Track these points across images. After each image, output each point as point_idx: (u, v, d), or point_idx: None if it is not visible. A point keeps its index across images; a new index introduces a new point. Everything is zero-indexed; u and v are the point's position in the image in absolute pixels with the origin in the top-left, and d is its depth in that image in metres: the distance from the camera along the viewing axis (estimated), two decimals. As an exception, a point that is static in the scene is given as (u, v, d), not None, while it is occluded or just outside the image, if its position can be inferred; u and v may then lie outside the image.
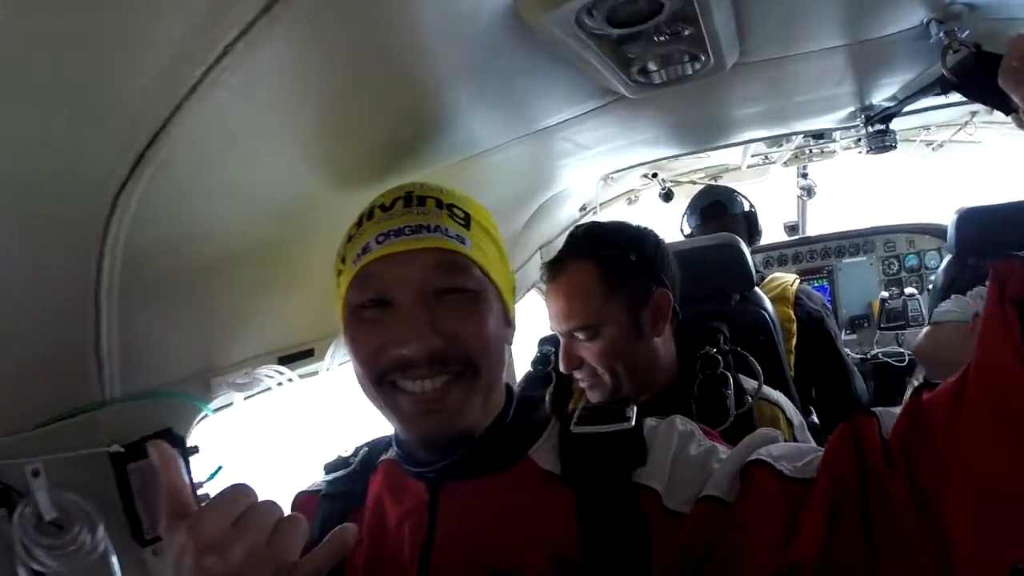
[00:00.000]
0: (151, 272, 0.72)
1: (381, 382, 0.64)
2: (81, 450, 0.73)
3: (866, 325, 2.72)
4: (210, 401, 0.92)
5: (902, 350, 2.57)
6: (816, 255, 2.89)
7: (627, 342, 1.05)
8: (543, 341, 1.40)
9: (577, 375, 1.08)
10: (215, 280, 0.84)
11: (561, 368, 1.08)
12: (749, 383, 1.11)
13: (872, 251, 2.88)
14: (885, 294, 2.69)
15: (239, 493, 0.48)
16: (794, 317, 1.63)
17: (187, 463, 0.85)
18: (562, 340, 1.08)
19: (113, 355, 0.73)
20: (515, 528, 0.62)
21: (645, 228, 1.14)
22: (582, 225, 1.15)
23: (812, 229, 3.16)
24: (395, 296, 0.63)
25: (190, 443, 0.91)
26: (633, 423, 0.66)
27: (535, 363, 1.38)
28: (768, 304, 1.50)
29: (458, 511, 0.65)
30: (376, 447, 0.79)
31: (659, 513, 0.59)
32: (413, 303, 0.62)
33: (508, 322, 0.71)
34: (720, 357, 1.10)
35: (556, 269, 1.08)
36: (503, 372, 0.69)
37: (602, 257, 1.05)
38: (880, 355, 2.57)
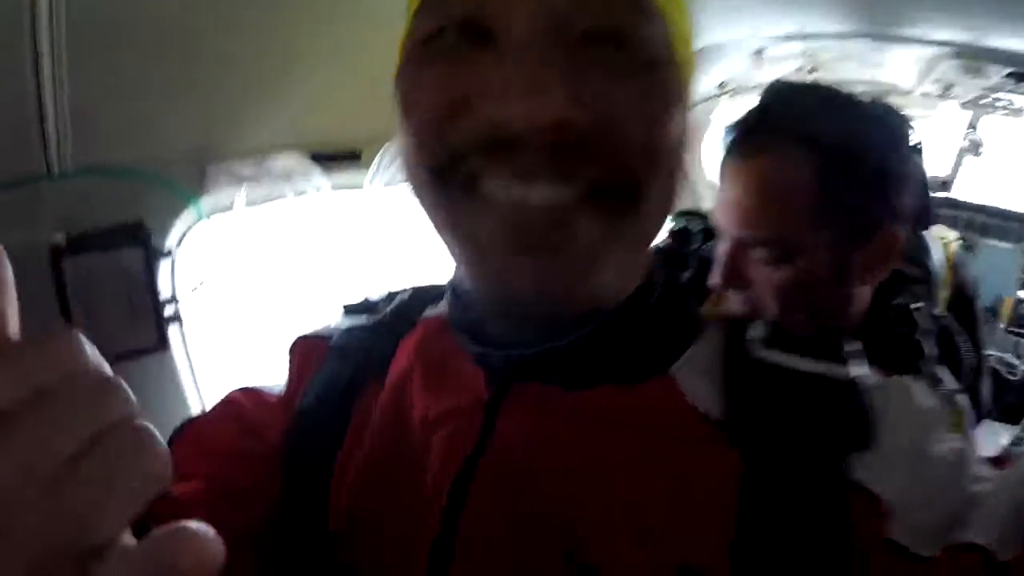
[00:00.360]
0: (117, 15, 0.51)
1: (447, 173, 0.33)
2: (15, 232, 0.56)
3: (988, 321, 2.32)
4: (201, 194, 0.66)
5: (1018, 362, 2.18)
6: (960, 223, 2.41)
7: (822, 283, 0.70)
8: (682, 213, 1.07)
9: (730, 292, 0.73)
10: (218, 32, 0.55)
11: (711, 279, 0.73)
12: (944, 375, 0.78)
13: (1020, 240, 2.39)
14: (1023, 294, 2.25)
15: (55, 349, 0.19)
16: (949, 283, 1.29)
17: (150, 269, 0.60)
18: (725, 244, 0.73)
19: (62, 115, 0.50)
20: (626, 495, 0.34)
21: (904, 119, 0.73)
22: (798, 84, 0.74)
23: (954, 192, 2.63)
24: (503, 24, 0.31)
25: (173, 248, 0.67)
26: (856, 374, 0.37)
27: (671, 233, 1.06)
28: (938, 252, 1.14)
29: (531, 436, 0.37)
30: (422, 297, 0.49)
31: (877, 539, 0.32)
32: (537, 41, 0.31)
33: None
34: (918, 320, 0.76)
35: (752, 147, 0.70)
36: (669, 213, 0.38)
37: (830, 154, 0.66)
38: (993, 359, 2.20)
